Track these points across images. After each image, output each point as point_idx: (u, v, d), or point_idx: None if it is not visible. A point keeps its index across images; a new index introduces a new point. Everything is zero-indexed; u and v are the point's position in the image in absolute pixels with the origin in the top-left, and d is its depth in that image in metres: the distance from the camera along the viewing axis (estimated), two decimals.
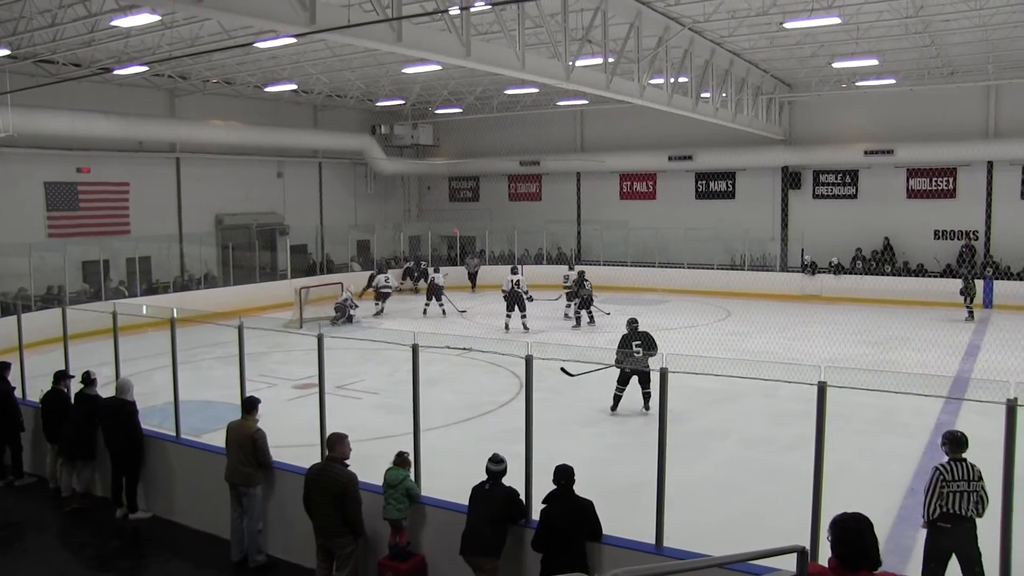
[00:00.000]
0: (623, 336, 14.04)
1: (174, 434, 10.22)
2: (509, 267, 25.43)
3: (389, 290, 26.58)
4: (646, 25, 18.39)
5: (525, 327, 22.24)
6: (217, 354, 17.17)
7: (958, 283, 24.71)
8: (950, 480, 6.88)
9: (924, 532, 7.13)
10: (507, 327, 22.45)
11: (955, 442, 7.09)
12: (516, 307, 22.40)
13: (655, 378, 6.75)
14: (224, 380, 13.73)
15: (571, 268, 26.75)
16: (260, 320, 21.92)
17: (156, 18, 16.30)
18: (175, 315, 10.51)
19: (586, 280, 23.50)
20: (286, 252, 29.81)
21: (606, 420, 13.68)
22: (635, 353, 13.34)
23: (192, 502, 9.91)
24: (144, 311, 16.96)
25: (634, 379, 13.60)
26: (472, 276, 31.81)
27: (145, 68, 22.29)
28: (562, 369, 12.80)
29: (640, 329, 14.08)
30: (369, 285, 28.30)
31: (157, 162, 28.12)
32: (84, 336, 14.08)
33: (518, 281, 22.47)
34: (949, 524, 6.84)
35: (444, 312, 25.47)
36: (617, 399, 13.82)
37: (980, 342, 20.48)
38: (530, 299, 22.71)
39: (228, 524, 8.90)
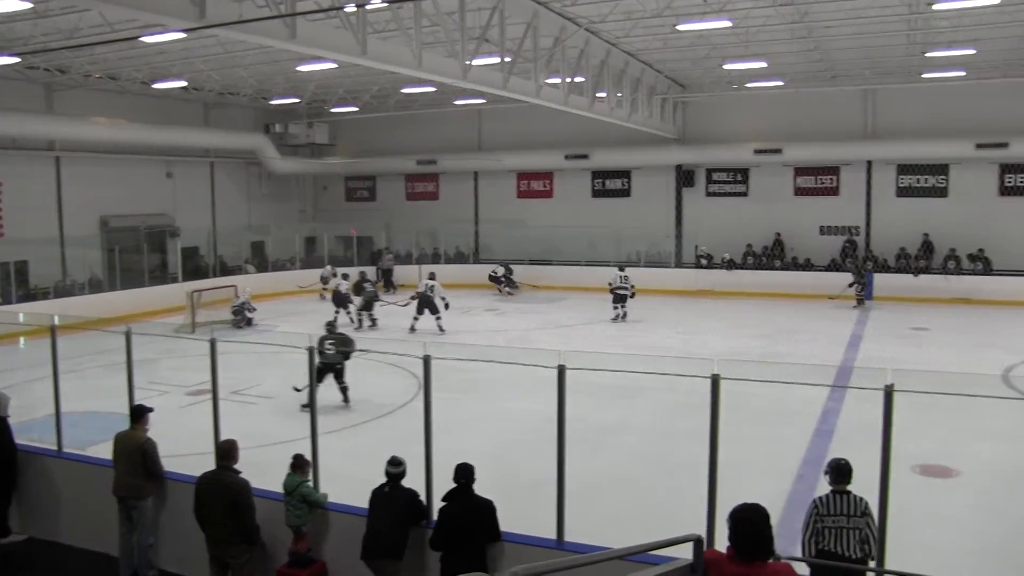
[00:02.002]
0: (320, 337, 14.31)
1: (55, 448, 9.73)
2: (417, 268, 25.52)
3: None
4: (543, 25, 18.47)
5: (440, 328, 21.95)
6: (103, 362, 16.57)
7: (844, 276, 25.85)
8: (826, 514, 6.48)
9: None
10: (412, 328, 22.20)
11: (837, 472, 6.66)
12: (427, 310, 22.09)
13: (552, 376, 6.75)
14: (112, 389, 13.21)
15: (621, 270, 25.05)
16: (150, 325, 21.29)
17: (26, 5, 15.18)
18: (56, 322, 10.06)
19: (367, 281, 24.63)
20: (177, 255, 29.00)
21: (506, 418, 13.73)
22: (327, 351, 14.17)
23: (77, 519, 9.42)
24: (21, 319, 16.28)
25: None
26: (386, 273, 31.35)
27: (16, 59, 21.22)
28: (295, 388, 14.01)
29: (337, 331, 15.22)
30: (325, 285, 28.66)
31: (34, 160, 26.77)
32: None
33: (432, 287, 22.18)
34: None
35: (353, 320, 23.78)
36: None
37: (862, 332, 21.49)
38: (447, 306, 22.35)
39: (116, 540, 8.54)
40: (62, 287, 26.14)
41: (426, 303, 22.16)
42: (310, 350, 7.82)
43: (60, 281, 26.49)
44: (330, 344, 14.42)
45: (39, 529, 9.63)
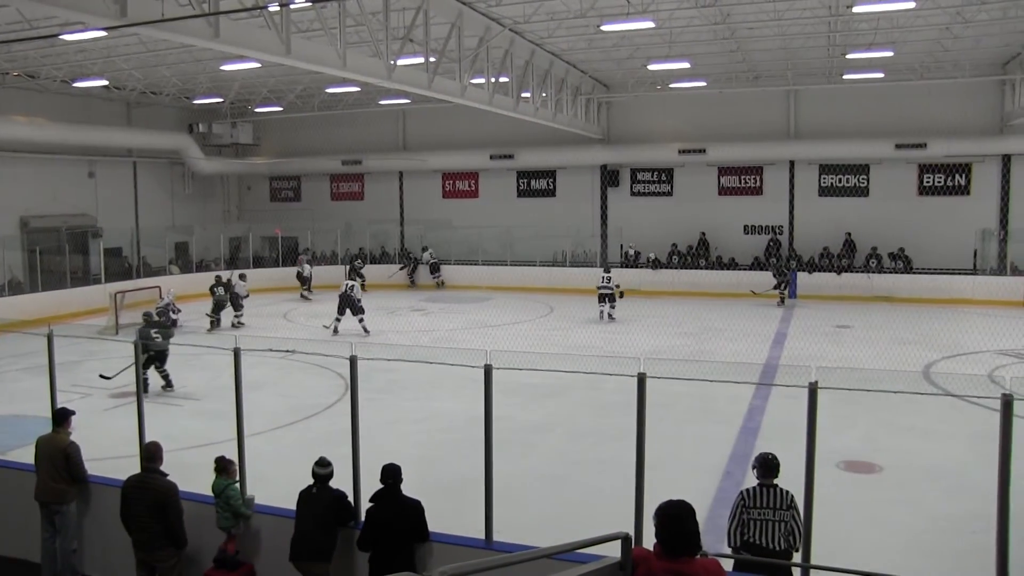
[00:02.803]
0: (140, 328, 15.87)
1: None
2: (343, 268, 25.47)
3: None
4: (468, 25, 18.56)
5: (365, 330, 21.70)
6: (23, 365, 16.26)
7: (767, 275, 26.38)
8: (752, 507, 6.58)
9: None
10: (335, 330, 21.94)
11: (764, 466, 6.77)
12: (348, 310, 21.86)
13: (478, 375, 6.85)
14: (33, 392, 13.00)
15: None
16: (72, 327, 20.90)
17: None
18: None
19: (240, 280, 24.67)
20: (100, 255, 28.41)
21: (433, 418, 13.78)
22: (155, 338, 15.48)
23: None
24: None
25: None
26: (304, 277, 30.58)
27: None
28: (101, 375, 14.87)
29: (156, 320, 16.73)
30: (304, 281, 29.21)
31: None
32: None
33: (352, 286, 22.04)
34: (750, 553, 6.54)
35: (237, 323, 23.69)
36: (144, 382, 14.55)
37: (787, 330, 21.86)
38: (361, 310, 22.01)
39: (38, 546, 8.42)
40: None
41: (347, 303, 21.93)
42: (236, 351, 7.80)
43: None
44: (155, 333, 15.71)
45: None
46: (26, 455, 8.94)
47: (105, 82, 27.18)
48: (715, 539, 7.49)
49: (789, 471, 6.83)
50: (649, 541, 4.64)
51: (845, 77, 26.81)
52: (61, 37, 17.17)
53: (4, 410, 13.02)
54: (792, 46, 23.16)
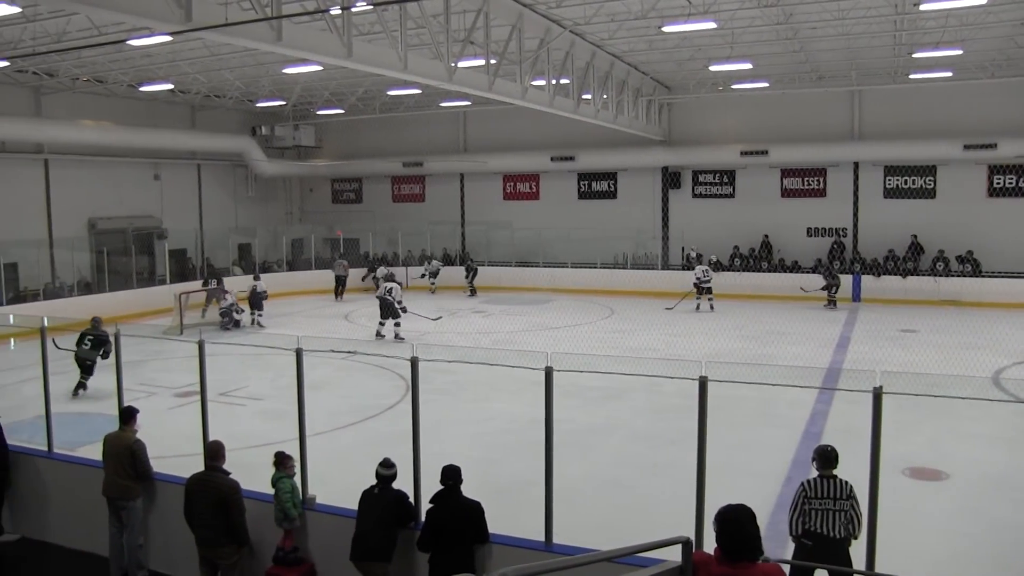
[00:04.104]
0: (82, 332, 15.45)
1: (46, 449, 9.79)
2: (404, 270, 25.69)
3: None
4: (528, 27, 18.54)
5: (397, 336, 21.23)
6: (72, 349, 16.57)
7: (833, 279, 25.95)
8: (813, 497, 6.71)
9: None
10: (378, 334, 21.42)
11: (824, 458, 6.87)
12: (389, 315, 21.37)
13: (538, 377, 6.81)
14: (100, 390, 13.28)
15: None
16: (138, 327, 21.26)
17: (15, 9, 15.37)
18: (46, 324, 10.09)
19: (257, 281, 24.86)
20: (164, 257, 28.95)
21: (493, 419, 13.76)
22: (83, 345, 15.29)
23: (67, 520, 9.48)
24: (11, 320, 16.27)
25: None
26: (341, 280, 30.27)
27: (6, 63, 21.24)
28: (52, 340, 14.13)
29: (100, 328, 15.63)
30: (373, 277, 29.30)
31: (22, 163, 26.87)
32: None
33: (391, 289, 21.55)
34: (811, 542, 6.69)
35: (256, 322, 24.10)
36: (78, 387, 15.35)
37: (850, 334, 21.45)
38: (403, 310, 21.47)
39: (106, 540, 8.58)
40: (51, 289, 26.15)
41: (387, 308, 21.40)
42: (298, 351, 7.85)
43: (49, 283, 26.51)
44: (88, 339, 15.36)
45: (30, 529, 9.68)
46: (94, 452, 9.11)
47: (170, 86, 27.70)
48: (776, 545, 7.37)
49: (853, 477, 6.72)
50: (710, 546, 4.57)
51: (911, 77, 26.22)
52: (128, 42, 17.48)
53: (73, 408, 13.29)
54: (856, 46, 22.70)
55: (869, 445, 5.98)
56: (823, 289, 25.75)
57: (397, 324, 21.43)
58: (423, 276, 30.89)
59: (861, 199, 29.10)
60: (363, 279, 30.67)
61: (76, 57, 22.79)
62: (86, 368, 15.42)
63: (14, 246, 25.34)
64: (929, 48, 21.84)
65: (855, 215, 29.18)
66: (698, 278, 26.04)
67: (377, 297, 21.86)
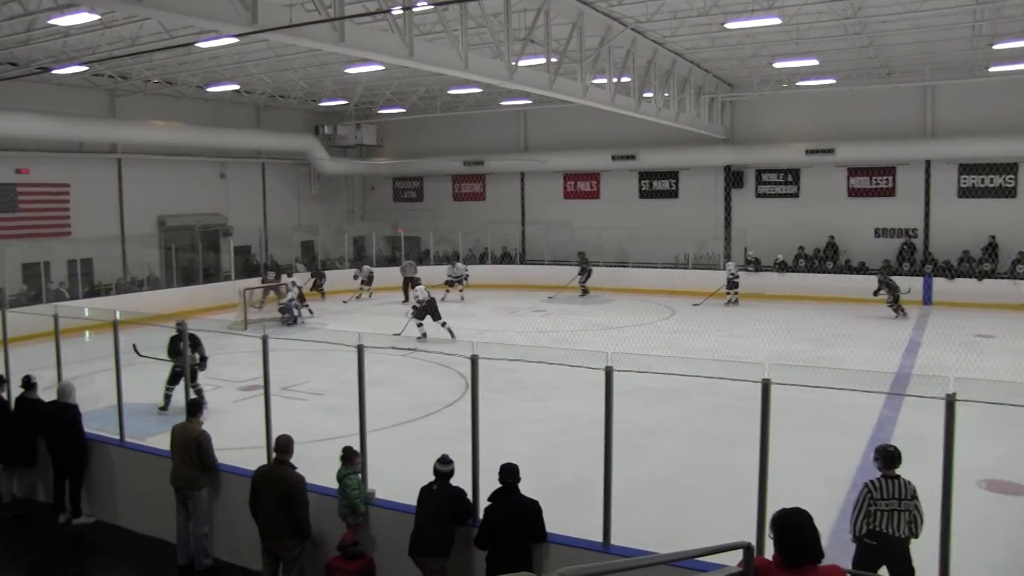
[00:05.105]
0: (172, 337, 14.14)
1: (118, 437, 10.08)
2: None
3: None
4: (588, 25, 18.50)
5: (423, 335, 20.77)
6: (162, 355, 16.91)
7: (900, 280, 25.00)
8: (879, 498, 6.68)
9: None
10: (424, 335, 20.81)
11: (888, 458, 6.84)
12: (428, 316, 21.04)
13: (596, 377, 6.82)
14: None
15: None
16: (204, 322, 21.70)
17: (95, 17, 15.97)
18: (118, 317, 10.38)
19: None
20: (230, 253, 29.48)
21: (552, 419, 13.78)
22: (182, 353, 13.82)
23: (137, 506, 9.79)
24: (86, 313, 16.68)
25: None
26: (407, 282, 29.35)
27: (84, 68, 21.87)
28: (133, 347, 14.09)
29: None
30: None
31: (98, 163, 27.70)
32: (24, 339, 13.80)
33: (419, 289, 21.57)
34: (875, 542, 6.67)
35: (299, 320, 24.20)
36: (168, 398, 14.26)
37: (920, 338, 20.85)
38: (418, 314, 21.10)
39: (174, 528, 8.82)
40: (123, 284, 26.92)
41: (427, 309, 21.17)
42: (359, 348, 7.96)
43: (121, 278, 27.26)
44: (183, 346, 13.96)
45: (104, 513, 10.06)
46: (162, 441, 9.37)
47: (236, 86, 28.18)
48: (840, 553, 7.24)
49: (924, 487, 6.60)
50: (771, 552, 4.53)
51: (991, 70, 25.02)
52: (197, 45, 17.87)
53: (143, 398, 13.58)
54: (930, 39, 21.92)
55: (942, 454, 5.81)
56: (888, 302, 24.23)
57: (443, 323, 21.15)
58: (447, 281, 29.28)
59: (933, 198, 28.28)
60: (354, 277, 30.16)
61: (148, 60, 23.35)
62: (192, 376, 14.37)
63: (90, 242, 26.11)
64: (1012, 39, 20.86)
65: (926, 215, 28.40)
66: (733, 274, 27.19)
67: (419, 301, 21.39)
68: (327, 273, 30.40)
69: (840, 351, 18.91)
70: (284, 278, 26.46)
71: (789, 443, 11.32)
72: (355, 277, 29.81)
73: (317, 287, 29.38)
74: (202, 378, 14.52)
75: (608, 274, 30.57)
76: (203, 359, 14.39)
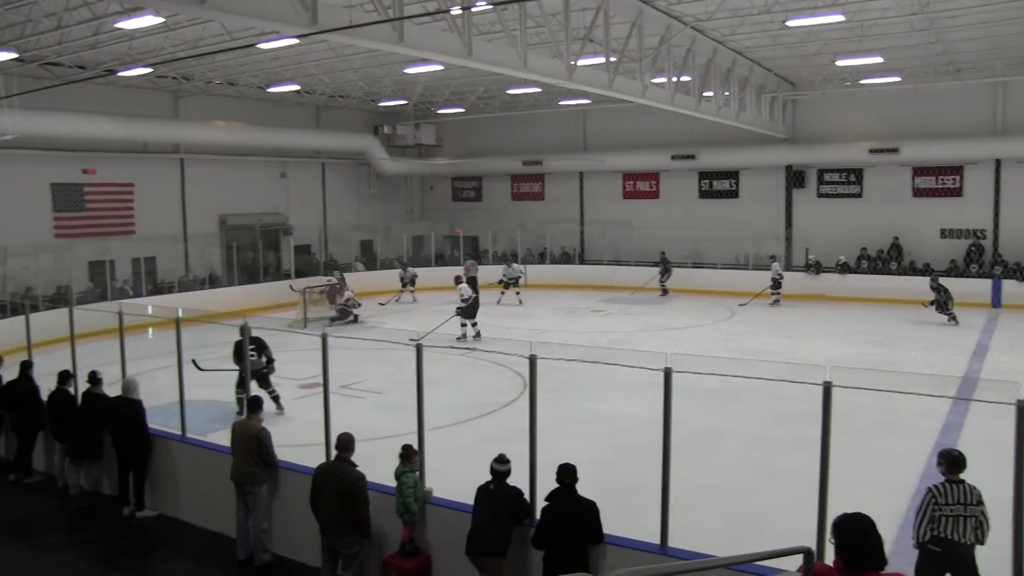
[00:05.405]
0: (236, 343, 13.10)
1: (179, 433, 10.26)
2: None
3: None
4: (648, 24, 18.38)
5: (465, 336, 20.84)
6: (221, 353, 17.14)
7: (968, 282, 24.33)
8: (943, 503, 6.53)
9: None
10: (465, 336, 20.84)
11: (952, 463, 6.68)
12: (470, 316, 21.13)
13: (654, 378, 6.75)
14: (229, 379, 13.74)
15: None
16: (264, 320, 21.93)
17: (159, 20, 16.37)
18: (180, 315, 10.55)
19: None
20: (290, 252, 29.84)
21: (609, 419, 13.70)
22: (250, 357, 12.85)
23: (197, 500, 9.95)
24: (149, 311, 16.97)
25: None
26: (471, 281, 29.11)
27: (149, 70, 22.34)
28: (192, 361, 13.46)
29: (254, 334, 13.59)
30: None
31: (161, 163, 28.23)
32: (90, 336, 14.08)
33: (463, 288, 21.50)
34: (940, 548, 6.50)
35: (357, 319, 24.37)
36: (240, 402, 13.24)
37: (988, 342, 20.33)
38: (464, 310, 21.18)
39: (233, 522, 8.94)
40: (185, 282, 27.38)
41: (471, 309, 21.21)
42: (418, 347, 7.98)
43: (183, 276, 27.76)
44: (251, 350, 13.05)
45: (166, 506, 10.26)
46: (223, 438, 9.50)
47: (296, 87, 28.50)
48: (906, 562, 7.08)
49: (994, 498, 6.43)
50: (830, 558, 4.44)
51: None
52: (258, 46, 18.11)
53: (203, 395, 13.75)
54: (1002, 33, 21.18)
55: (1013, 464, 5.66)
56: (937, 309, 23.16)
57: (474, 323, 21.23)
58: (501, 281, 28.71)
59: (1003, 198, 27.53)
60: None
61: (210, 61, 23.71)
62: (263, 380, 14.12)
63: (152, 241, 26.61)
64: None
65: (996, 215, 27.66)
66: (779, 274, 27.21)
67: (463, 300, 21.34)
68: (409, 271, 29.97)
69: (904, 354, 18.56)
70: (325, 280, 26.78)
71: (851, 448, 11.08)
72: (400, 279, 29.48)
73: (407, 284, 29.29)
74: None
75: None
76: (270, 361, 14.33)
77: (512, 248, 34.14)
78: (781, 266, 27.93)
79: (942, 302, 22.92)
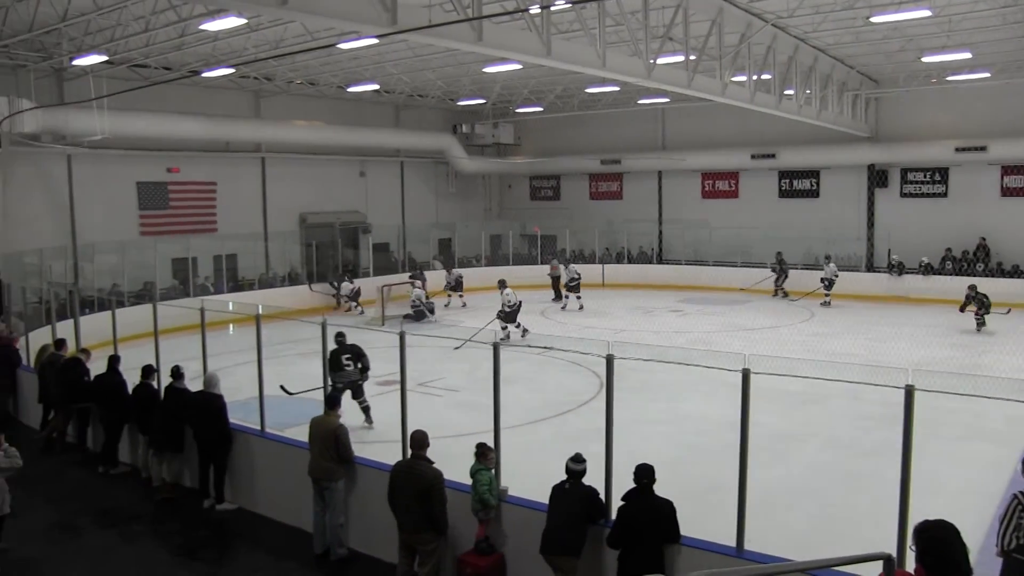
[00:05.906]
0: (332, 351, 12.53)
1: (259, 428, 10.45)
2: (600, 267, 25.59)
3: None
4: (728, 22, 18.15)
5: (508, 336, 20.56)
6: (300, 350, 17.42)
7: None
8: None
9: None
10: (508, 336, 20.53)
11: None
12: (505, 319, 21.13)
13: (731, 379, 6.67)
14: (308, 376, 13.94)
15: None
16: (343, 318, 22.23)
17: (242, 21, 16.71)
18: (260, 312, 10.74)
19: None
20: (369, 250, 30.19)
21: (686, 420, 13.61)
22: (346, 367, 13.17)
23: (275, 495, 10.13)
24: (231, 307, 17.32)
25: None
26: (555, 280, 29.00)
27: (232, 70, 22.81)
28: (281, 387, 13.65)
29: (349, 342, 13.40)
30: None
31: (243, 162, 28.82)
32: (173, 331, 14.41)
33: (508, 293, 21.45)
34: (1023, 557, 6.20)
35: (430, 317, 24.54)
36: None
37: None
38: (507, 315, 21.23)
39: (310, 517, 9.08)
40: (265, 279, 27.87)
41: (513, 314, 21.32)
42: (495, 345, 8.00)
43: (264, 273, 28.24)
44: (347, 360, 13.32)
45: (245, 500, 10.48)
46: (301, 433, 9.64)
47: (376, 86, 28.80)
48: (989, 571, 6.88)
49: None
50: (911, 565, 4.33)
51: None
52: (338, 46, 18.33)
53: (282, 391, 14.02)
54: None
55: None
56: (974, 313, 22.19)
57: (519, 326, 21.18)
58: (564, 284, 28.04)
59: None
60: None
61: (291, 62, 24.13)
62: (357, 390, 13.63)
63: (234, 239, 27.17)
64: None
65: None
66: (835, 274, 26.98)
67: (508, 306, 21.27)
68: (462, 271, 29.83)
69: (991, 358, 18.03)
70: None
71: (934, 453, 10.87)
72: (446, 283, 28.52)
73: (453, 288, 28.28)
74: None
75: (746, 274, 29.91)
76: (365, 370, 13.59)
77: (591, 247, 34.02)
78: (835, 267, 27.42)
79: (980, 308, 22.06)
